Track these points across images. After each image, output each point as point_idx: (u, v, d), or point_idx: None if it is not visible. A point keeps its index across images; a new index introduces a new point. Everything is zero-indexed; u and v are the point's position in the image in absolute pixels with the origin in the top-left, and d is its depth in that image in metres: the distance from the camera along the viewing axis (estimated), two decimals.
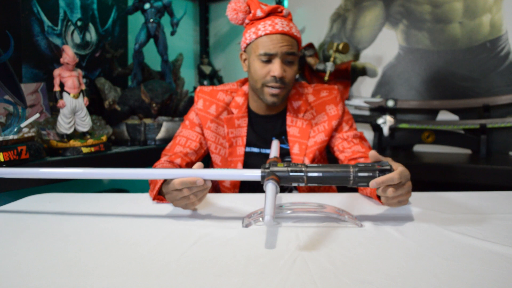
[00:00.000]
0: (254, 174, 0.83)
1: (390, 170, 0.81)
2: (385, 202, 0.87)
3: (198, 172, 0.85)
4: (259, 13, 1.15)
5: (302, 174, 0.80)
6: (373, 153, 0.87)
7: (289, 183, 0.81)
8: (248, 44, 1.19)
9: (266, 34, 1.13)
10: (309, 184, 0.81)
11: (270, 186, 0.77)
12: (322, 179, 0.81)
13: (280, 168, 0.81)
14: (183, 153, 1.22)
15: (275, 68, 1.13)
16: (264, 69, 1.15)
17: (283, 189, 1.29)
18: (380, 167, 0.80)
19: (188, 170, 0.86)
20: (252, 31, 1.16)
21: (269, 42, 1.13)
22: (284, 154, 1.27)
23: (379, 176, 0.80)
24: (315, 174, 0.80)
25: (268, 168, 0.81)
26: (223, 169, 0.89)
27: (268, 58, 1.14)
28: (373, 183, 0.79)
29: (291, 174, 0.80)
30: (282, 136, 1.27)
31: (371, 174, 0.80)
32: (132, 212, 0.95)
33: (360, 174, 0.80)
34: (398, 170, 0.81)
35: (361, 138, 1.26)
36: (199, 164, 0.88)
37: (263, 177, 0.81)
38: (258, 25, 1.15)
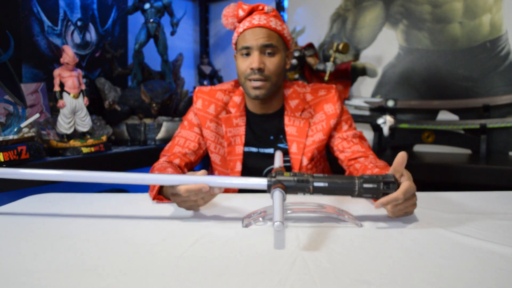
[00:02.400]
0: (260, 183, 0.83)
1: (394, 183, 0.82)
2: (391, 215, 0.86)
3: (204, 179, 0.84)
4: (241, 13, 1.20)
5: (308, 184, 0.81)
6: (399, 160, 0.83)
7: (295, 192, 0.82)
8: (235, 44, 1.23)
9: (244, 30, 1.17)
10: (315, 194, 0.82)
11: (277, 194, 0.77)
12: (328, 189, 0.81)
13: (287, 177, 0.82)
14: (181, 153, 1.23)
15: (253, 59, 1.16)
16: (244, 63, 1.18)
17: None
18: (384, 179, 0.82)
19: (193, 177, 0.85)
20: (236, 31, 1.21)
21: (247, 36, 1.17)
22: (283, 153, 1.27)
23: (383, 188, 0.81)
24: (321, 184, 0.81)
25: (274, 177, 0.81)
26: (228, 176, 0.89)
27: (247, 52, 1.17)
28: (378, 204, 0.80)
29: (297, 183, 0.81)
30: (280, 135, 1.27)
31: (375, 185, 0.81)
32: (132, 212, 0.95)
33: (365, 185, 0.81)
34: (403, 187, 0.80)
35: (361, 137, 1.26)
36: (203, 171, 0.88)
37: (269, 186, 0.81)
38: (240, 24, 1.20)
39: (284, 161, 1.27)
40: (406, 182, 0.81)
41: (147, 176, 0.88)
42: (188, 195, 0.85)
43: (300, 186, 0.81)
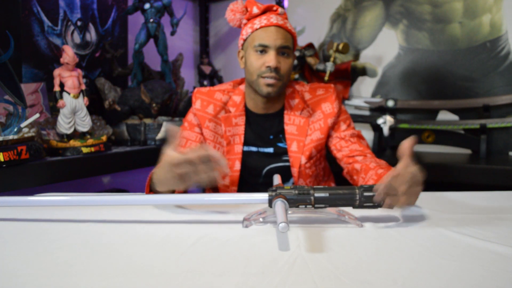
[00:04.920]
0: (261, 198, 0.83)
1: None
2: (398, 204, 0.82)
3: (203, 197, 0.84)
4: (255, 10, 1.20)
5: (309, 195, 0.81)
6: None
7: (297, 205, 0.82)
8: (245, 40, 1.23)
9: (261, 27, 1.17)
10: (316, 206, 0.82)
11: (279, 203, 0.78)
12: (329, 200, 0.82)
13: (287, 190, 0.82)
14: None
15: (270, 58, 1.16)
16: (259, 60, 1.18)
17: None
18: None
19: (197, 196, 0.85)
20: (249, 27, 1.20)
21: (264, 34, 1.16)
22: (282, 152, 1.27)
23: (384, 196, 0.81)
24: (322, 195, 0.82)
25: (275, 191, 0.82)
26: (231, 193, 0.91)
27: (263, 49, 1.17)
28: (377, 198, 0.80)
29: (298, 195, 0.81)
30: (280, 134, 1.28)
31: (376, 193, 0.82)
32: (132, 212, 0.95)
33: (366, 193, 0.82)
34: (401, 165, 0.80)
35: (359, 136, 1.27)
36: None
37: (270, 200, 0.81)
38: (254, 21, 1.19)
39: (285, 161, 1.27)
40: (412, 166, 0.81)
41: (153, 197, 0.88)
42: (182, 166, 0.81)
43: (301, 198, 0.82)
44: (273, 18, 1.18)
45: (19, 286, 0.57)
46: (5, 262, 0.66)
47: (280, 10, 1.21)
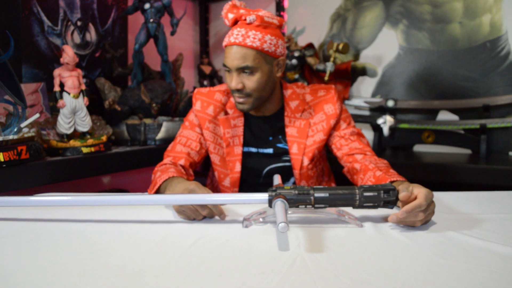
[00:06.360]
0: (261, 198, 0.83)
1: (394, 190, 0.82)
2: (411, 224, 0.83)
3: (205, 197, 0.85)
4: (227, 23, 1.18)
5: (309, 195, 0.82)
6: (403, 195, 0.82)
7: (296, 205, 0.82)
8: None
9: (225, 46, 1.16)
10: (316, 206, 0.82)
11: (279, 203, 0.78)
12: (329, 200, 0.82)
13: (287, 190, 0.82)
14: (185, 153, 1.23)
15: (230, 80, 1.16)
16: (228, 78, 1.19)
17: None
18: (384, 187, 0.83)
19: (197, 196, 0.85)
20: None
21: (226, 54, 1.16)
22: (282, 153, 1.27)
23: (383, 196, 0.82)
24: (322, 195, 0.82)
25: (275, 191, 0.82)
26: (232, 193, 0.91)
27: (228, 69, 1.17)
28: (402, 213, 0.78)
29: (298, 196, 0.82)
30: (279, 135, 1.28)
31: (376, 193, 0.82)
32: (132, 212, 0.95)
33: (366, 193, 0.82)
34: (423, 194, 0.80)
35: (359, 134, 1.26)
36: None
37: (270, 200, 0.81)
38: (226, 35, 1.18)
39: (285, 161, 1.27)
40: (423, 189, 0.82)
41: (153, 198, 0.89)
42: (184, 209, 0.88)
43: (301, 199, 0.82)
44: (234, 35, 1.13)
45: (19, 286, 0.57)
46: (5, 262, 0.66)
47: (248, 18, 1.12)
